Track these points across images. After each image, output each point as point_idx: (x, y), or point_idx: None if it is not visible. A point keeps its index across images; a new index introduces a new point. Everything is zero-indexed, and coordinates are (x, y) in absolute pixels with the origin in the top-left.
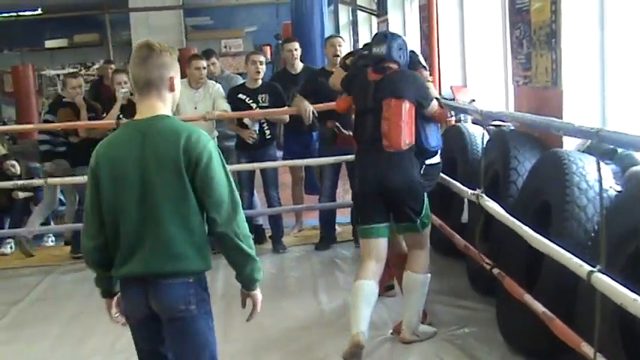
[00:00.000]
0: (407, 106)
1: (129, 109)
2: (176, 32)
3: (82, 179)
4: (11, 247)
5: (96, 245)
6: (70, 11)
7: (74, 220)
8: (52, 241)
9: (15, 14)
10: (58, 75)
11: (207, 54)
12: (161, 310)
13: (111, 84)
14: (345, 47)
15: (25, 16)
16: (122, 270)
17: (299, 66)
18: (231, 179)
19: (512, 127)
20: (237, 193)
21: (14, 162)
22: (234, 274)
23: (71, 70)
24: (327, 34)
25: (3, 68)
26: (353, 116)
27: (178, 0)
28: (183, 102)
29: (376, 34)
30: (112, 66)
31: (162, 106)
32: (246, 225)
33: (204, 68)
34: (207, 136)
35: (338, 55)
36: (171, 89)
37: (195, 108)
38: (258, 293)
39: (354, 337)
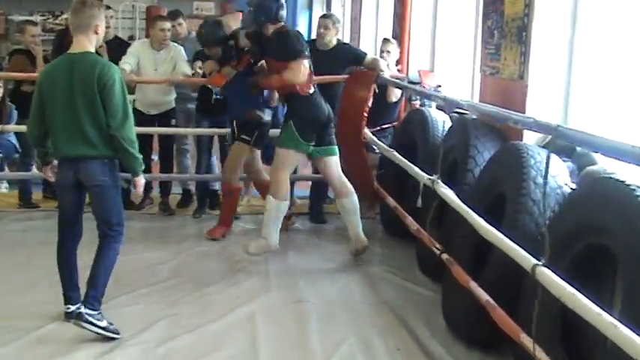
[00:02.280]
0: None
1: None
2: None
3: None
4: (6, 188)
5: (40, 133)
6: None
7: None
8: (5, 188)
9: None
10: (25, 21)
11: (174, 15)
12: (86, 180)
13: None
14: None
15: None
16: (58, 152)
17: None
18: (127, 101)
19: (475, 116)
20: (130, 110)
21: None
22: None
23: (30, 18)
24: (299, 7)
25: None
26: None
27: None
28: (145, 62)
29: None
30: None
31: (89, 44)
32: (133, 132)
33: (169, 30)
34: (116, 68)
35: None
36: (96, 32)
37: (156, 70)
38: (139, 179)
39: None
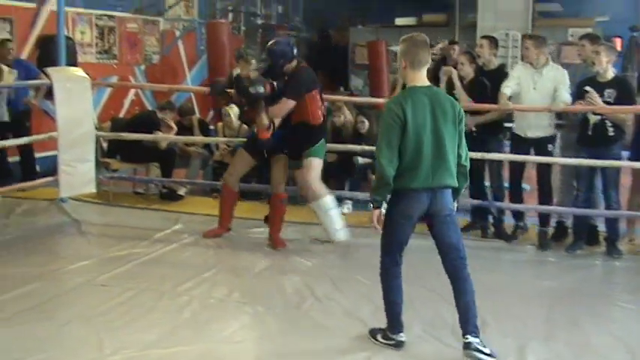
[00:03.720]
0: None
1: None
2: (522, 18)
3: None
4: (348, 208)
5: (393, 169)
6: None
7: None
8: (347, 209)
9: None
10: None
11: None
12: (439, 209)
13: (453, 63)
14: None
15: None
16: (419, 183)
17: None
18: None
19: None
20: None
21: (364, 119)
22: None
23: None
24: None
25: (355, 41)
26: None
27: None
28: (524, 81)
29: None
30: (456, 47)
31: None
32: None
33: (527, 48)
34: None
35: None
36: None
37: (535, 88)
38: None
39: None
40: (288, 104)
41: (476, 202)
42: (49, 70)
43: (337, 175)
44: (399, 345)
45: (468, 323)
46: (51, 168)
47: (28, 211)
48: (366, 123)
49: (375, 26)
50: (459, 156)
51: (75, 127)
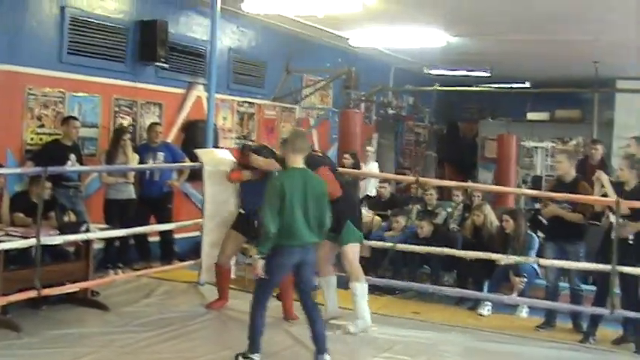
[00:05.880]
0: None
1: None
2: None
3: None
4: (488, 310)
5: (275, 227)
6: (556, 87)
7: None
8: (525, 312)
9: (507, 86)
10: (536, 147)
11: None
12: (307, 260)
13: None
14: None
15: (514, 88)
16: (297, 241)
17: None
18: None
19: None
20: None
21: (509, 217)
22: None
23: (541, 145)
24: None
25: (485, 135)
26: None
27: None
28: None
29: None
30: (599, 146)
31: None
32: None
33: None
34: None
35: None
36: None
37: None
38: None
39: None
40: None
41: (631, 314)
42: (199, 151)
43: (475, 275)
44: None
45: (322, 343)
46: (186, 249)
47: (168, 293)
48: (511, 221)
49: (505, 120)
50: (321, 218)
51: (220, 211)
